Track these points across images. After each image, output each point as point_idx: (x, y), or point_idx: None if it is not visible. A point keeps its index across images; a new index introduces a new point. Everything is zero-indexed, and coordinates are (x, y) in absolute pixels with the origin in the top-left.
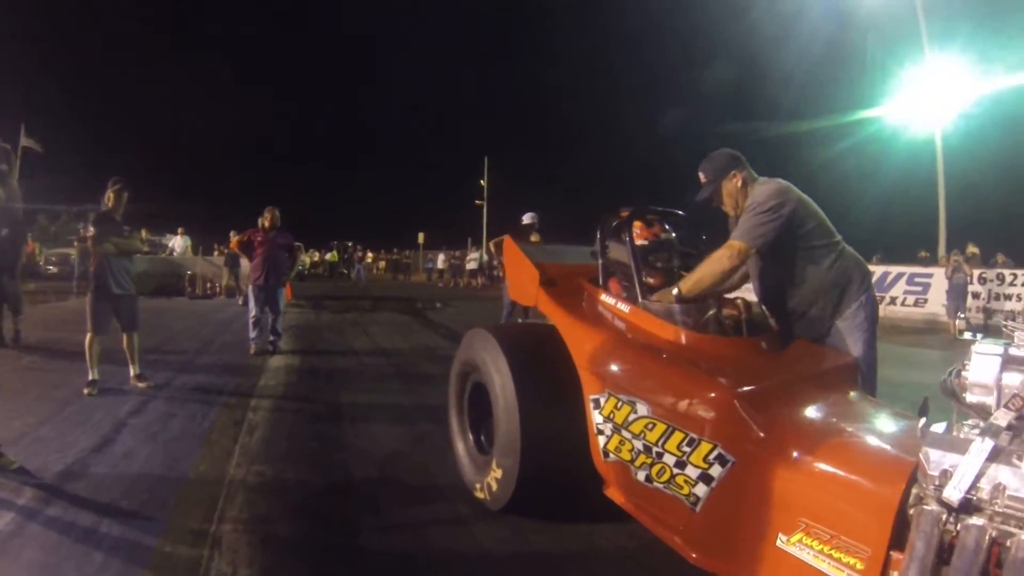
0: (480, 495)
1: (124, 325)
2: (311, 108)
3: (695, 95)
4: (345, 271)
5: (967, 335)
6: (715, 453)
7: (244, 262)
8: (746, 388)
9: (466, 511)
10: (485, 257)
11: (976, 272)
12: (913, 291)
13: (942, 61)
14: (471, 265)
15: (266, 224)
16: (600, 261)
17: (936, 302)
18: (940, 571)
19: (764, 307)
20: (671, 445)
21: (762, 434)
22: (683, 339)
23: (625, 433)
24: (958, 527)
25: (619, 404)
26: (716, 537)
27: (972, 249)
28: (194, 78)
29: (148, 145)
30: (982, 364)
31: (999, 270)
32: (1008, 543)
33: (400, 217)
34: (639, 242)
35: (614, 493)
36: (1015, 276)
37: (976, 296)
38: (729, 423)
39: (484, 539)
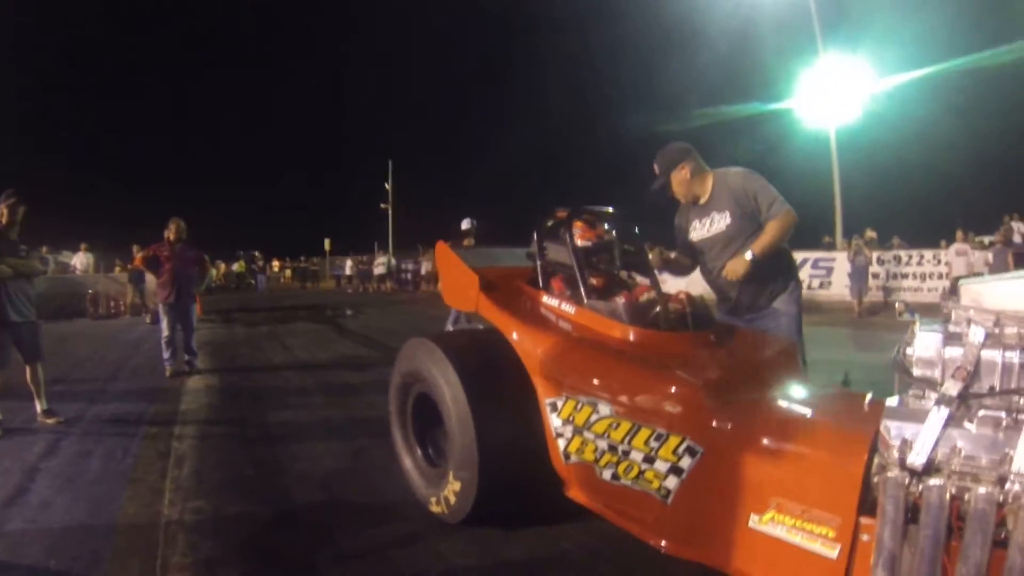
0: (437, 509)
1: (26, 356)
2: (211, 116)
3: (602, 91)
4: (252, 282)
5: (906, 316)
6: (684, 446)
7: (149, 278)
8: (708, 380)
9: (425, 528)
10: (392, 262)
11: (875, 254)
12: (818, 274)
13: (837, 60)
14: (379, 270)
15: (171, 237)
16: (538, 263)
17: (839, 284)
18: (908, 529)
19: (719, 290)
20: (638, 442)
21: (728, 423)
22: (633, 336)
23: (587, 434)
24: (920, 488)
25: (579, 406)
26: (688, 526)
27: (870, 233)
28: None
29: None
30: (926, 341)
31: (895, 252)
32: (966, 496)
33: (305, 224)
34: (581, 243)
35: (577, 494)
36: (910, 257)
37: (876, 276)
38: (697, 416)
39: (450, 555)
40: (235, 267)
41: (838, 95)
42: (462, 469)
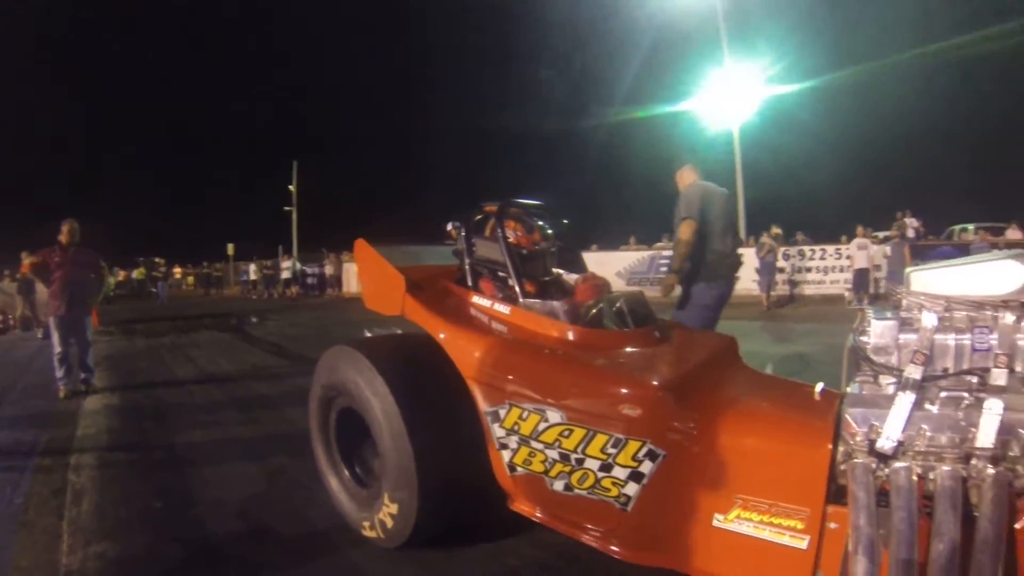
0: (371, 534)
1: None
2: (107, 112)
3: (506, 92)
4: (154, 290)
5: (855, 304)
6: (644, 450)
7: (40, 288)
8: (665, 379)
9: (360, 556)
10: (298, 266)
11: (781, 249)
12: None
13: (741, 64)
14: (285, 274)
15: (64, 240)
16: (467, 261)
17: (747, 279)
18: (880, 515)
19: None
20: (593, 449)
21: (690, 423)
22: (574, 336)
23: (535, 444)
24: (887, 472)
25: (524, 414)
26: (650, 531)
27: (776, 230)
28: None
29: None
30: (882, 329)
31: (800, 247)
32: (931, 475)
33: (208, 228)
34: (516, 246)
35: (525, 507)
36: (813, 251)
37: (782, 271)
38: (658, 418)
39: None
40: (135, 274)
41: (741, 98)
42: (399, 490)
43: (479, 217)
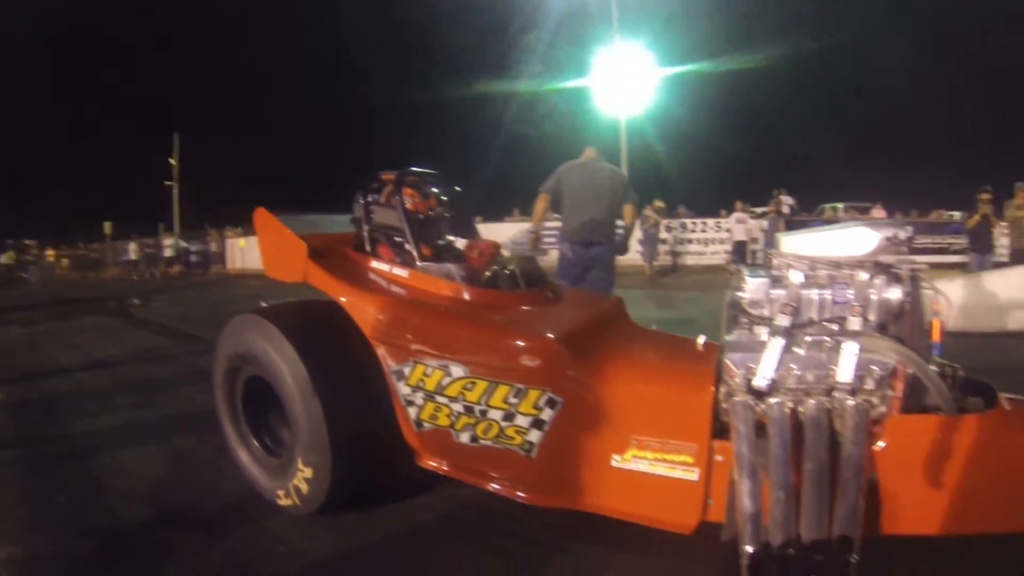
0: (286, 502)
1: None
2: None
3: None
4: (24, 275)
5: (733, 267)
6: (544, 398)
7: None
8: (560, 332)
9: (276, 525)
10: (181, 243)
11: (664, 222)
12: None
13: (630, 46)
14: (168, 252)
15: None
16: (365, 228)
17: (631, 249)
18: (759, 444)
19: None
20: (496, 400)
21: (584, 372)
22: (470, 296)
23: (440, 399)
24: (763, 407)
25: (428, 371)
26: (554, 475)
27: (659, 203)
28: None
29: None
30: (755, 285)
31: (682, 220)
32: (801, 408)
33: (82, 206)
34: (413, 211)
35: (433, 462)
36: (695, 224)
37: (664, 242)
38: (555, 367)
39: (310, 549)
40: (3, 259)
41: (629, 78)
42: (312, 454)
43: (376, 185)
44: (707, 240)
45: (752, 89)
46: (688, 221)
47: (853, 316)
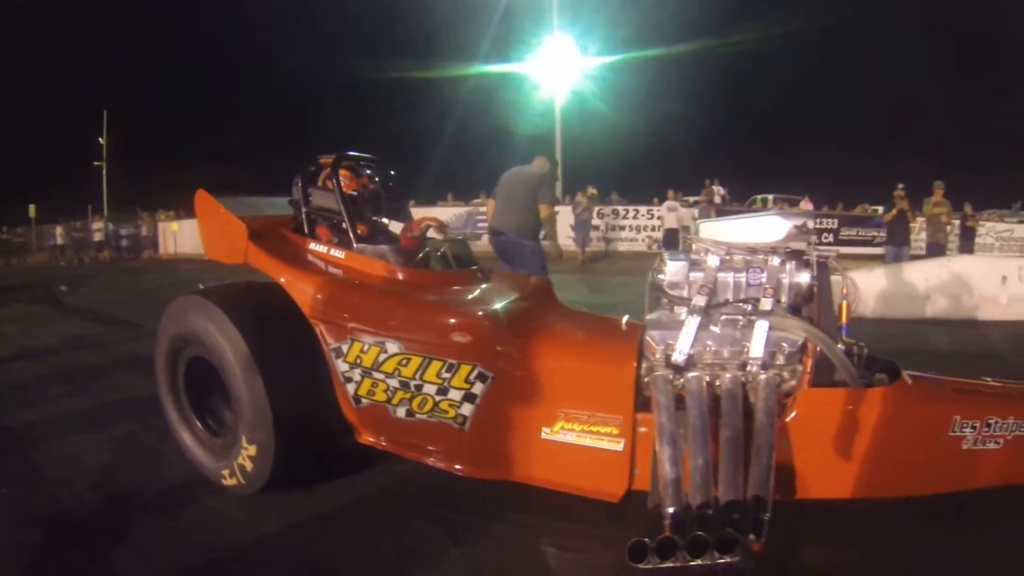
0: (230, 482)
1: None
2: None
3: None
4: None
5: (655, 248)
6: (475, 372)
7: None
8: (489, 310)
9: (221, 505)
10: (111, 227)
11: (596, 208)
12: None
13: (568, 33)
14: (97, 237)
15: None
16: (304, 210)
17: (563, 235)
18: (678, 415)
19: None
20: (430, 375)
21: (512, 347)
22: (403, 276)
23: (377, 375)
24: (682, 381)
25: (365, 347)
26: (487, 447)
27: (592, 190)
28: None
29: None
30: (674, 268)
31: (614, 207)
32: (717, 382)
33: (4, 188)
34: (348, 192)
35: (370, 437)
36: (627, 211)
37: (596, 228)
38: (484, 343)
39: (257, 525)
40: None
41: (565, 65)
42: (256, 431)
43: (314, 169)
44: (639, 227)
45: (689, 80)
46: (620, 208)
47: (765, 297)
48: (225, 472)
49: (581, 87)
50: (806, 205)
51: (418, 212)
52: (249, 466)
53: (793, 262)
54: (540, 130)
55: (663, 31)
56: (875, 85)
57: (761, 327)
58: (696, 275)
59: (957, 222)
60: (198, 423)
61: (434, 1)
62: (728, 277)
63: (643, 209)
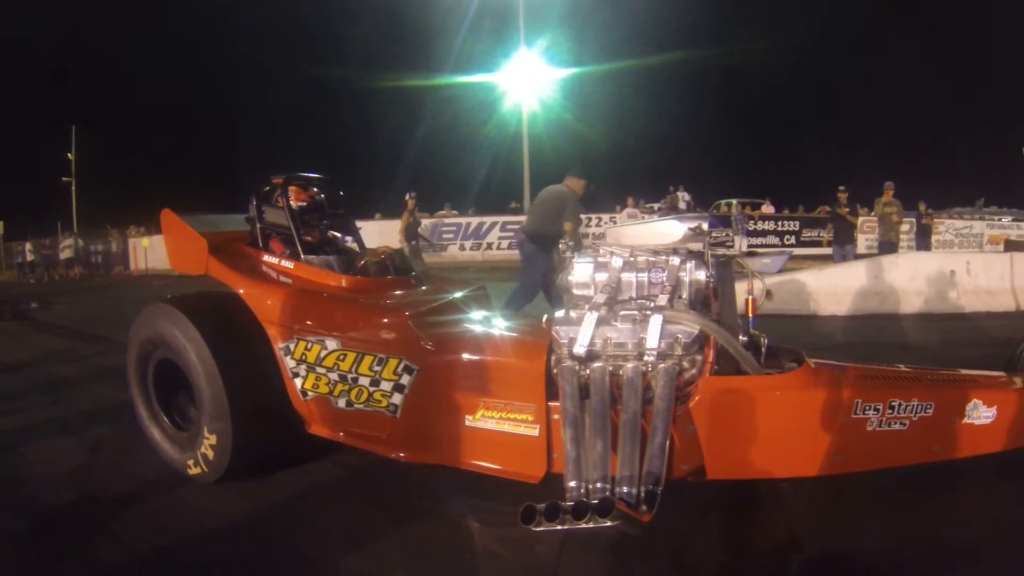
0: (195, 471)
1: None
2: None
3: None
4: None
5: (568, 254)
6: (402, 365)
7: None
8: (413, 311)
9: (188, 493)
10: (81, 243)
11: None
12: (507, 236)
13: (536, 45)
14: (66, 253)
15: None
16: (258, 226)
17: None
18: (584, 404)
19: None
20: (364, 368)
21: (436, 343)
22: (345, 283)
23: (319, 369)
24: (587, 372)
25: (309, 345)
26: (417, 434)
27: None
28: None
29: None
30: (581, 269)
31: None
32: (620, 372)
33: None
34: (296, 204)
35: (318, 428)
36: (589, 219)
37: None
38: (407, 339)
39: (218, 508)
40: None
41: (531, 76)
42: (216, 421)
43: (268, 188)
44: (601, 235)
45: (655, 89)
46: (583, 216)
47: (662, 294)
48: (190, 462)
49: (547, 98)
50: (768, 208)
51: (383, 224)
52: (211, 454)
53: (692, 262)
54: (506, 140)
55: (627, 44)
56: (838, 91)
57: (656, 320)
58: (601, 276)
59: (913, 220)
60: (165, 419)
61: (399, 12)
62: (632, 277)
63: (606, 217)
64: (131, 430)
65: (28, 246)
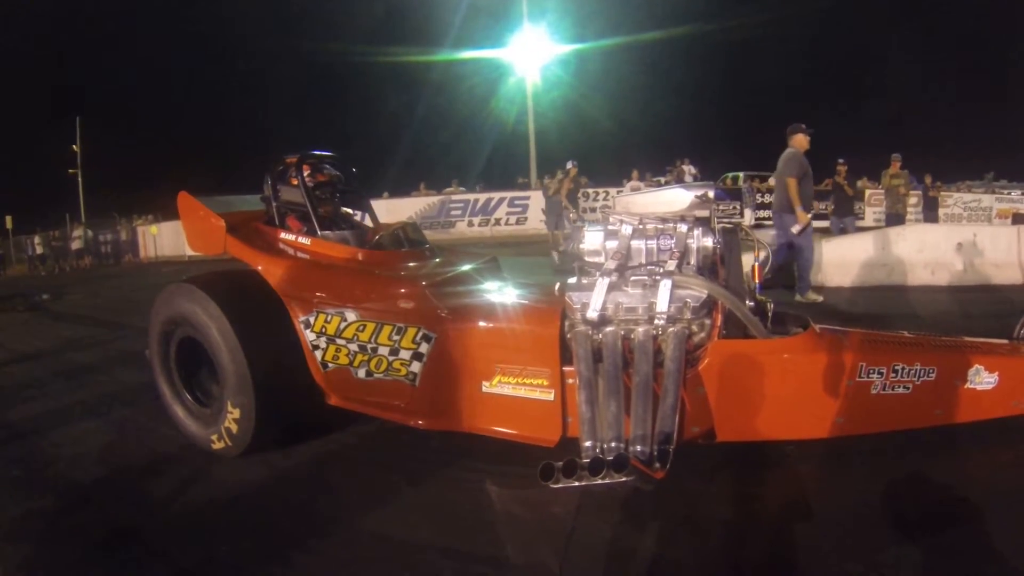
0: (219, 445)
1: None
2: None
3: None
4: None
5: (578, 222)
6: (420, 334)
7: None
8: (429, 281)
9: (213, 466)
10: (90, 234)
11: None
12: (514, 212)
13: (540, 20)
14: (76, 244)
15: None
16: (274, 204)
17: (535, 219)
18: (598, 367)
19: None
20: (383, 338)
21: (452, 311)
22: (361, 257)
23: (339, 341)
24: (600, 336)
25: (329, 318)
26: (436, 402)
27: (560, 175)
28: None
29: None
30: (592, 237)
31: (584, 189)
32: (632, 336)
33: None
34: (310, 182)
35: (339, 399)
36: (597, 193)
37: (567, 209)
38: (425, 308)
39: (246, 479)
40: None
41: (535, 52)
42: (239, 395)
43: (281, 167)
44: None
45: (659, 63)
46: (590, 190)
47: (671, 260)
48: (214, 437)
49: (551, 74)
50: (773, 181)
51: (391, 203)
52: (235, 428)
53: (699, 229)
54: (511, 117)
55: (632, 19)
56: (844, 64)
57: (665, 285)
58: (611, 243)
59: (919, 193)
60: (188, 396)
61: None
62: (641, 244)
63: (613, 191)
64: (154, 410)
65: (37, 239)
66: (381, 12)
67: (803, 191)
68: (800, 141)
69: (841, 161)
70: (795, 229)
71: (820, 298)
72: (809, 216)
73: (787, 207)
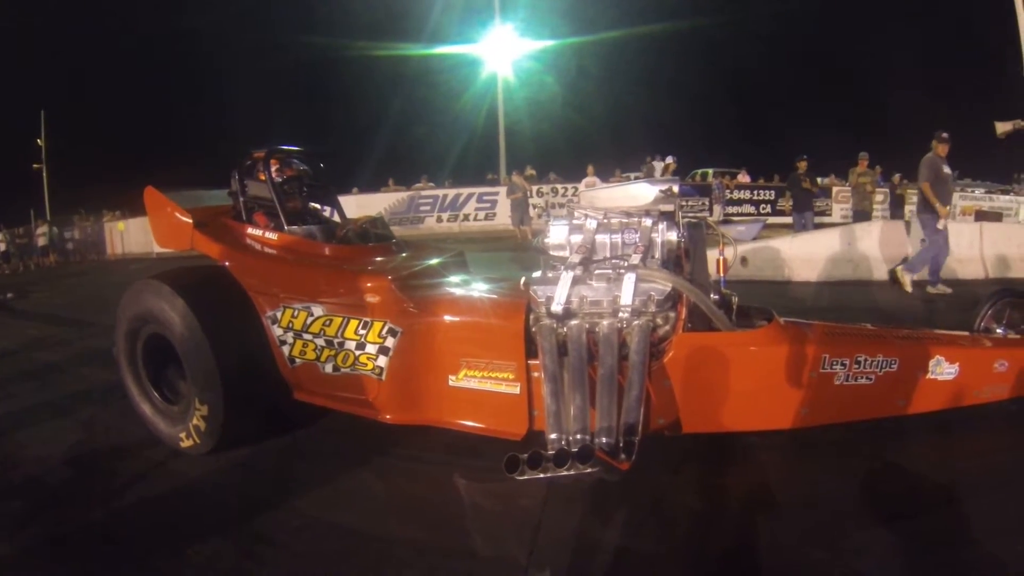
0: (187, 443)
1: None
2: None
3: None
4: None
5: (543, 217)
6: (386, 328)
7: None
8: (395, 275)
9: (183, 465)
10: (55, 231)
11: (534, 187)
12: (483, 207)
13: (511, 17)
14: (42, 241)
15: None
16: (241, 200)
17: (503, 215)
18: (563, 360)
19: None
20: (349, 332)
21: (418, 305)
22: (328, 252)
23: (306, 336)
24: (565, 329)
25: (295, 313)
26: (403, 396)
27: (530, 171)
28: None
29: None
30: (557, 230)
31: (553, 184)
32: (596, 329)
33: None
34: (278, 177)
35: (306, 394)
36: (565, 189)
37: (535, 207)
38: (390, 302)
39: (213, 477)
40: None
41: (508, 48)
42: (206, 391)
43: (249, 162)
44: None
45: (631, 61)
46: (559, 186)
47: (635, 254)
48: (182, 435)
49: (523, 69)
50: (743, 178)
51: (360, 199)
52: (203, 425)
53: (664, 223)
54: (482, 113)
55: (603, 16)
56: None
57: (629, 279)
58: (576, 237)
59: (886, 191)
60: (156, 394)
61: None
62: (606, 238)
63: (581, 186)
64: (122, 409)
65: (1, 236)
66: (353, 7)
67: (940, 191)
68: (937, 147)
69: (803, 157)
70: (940, 224)
71: (949, 290)
72: (947, 210)
73: (923, 208)
